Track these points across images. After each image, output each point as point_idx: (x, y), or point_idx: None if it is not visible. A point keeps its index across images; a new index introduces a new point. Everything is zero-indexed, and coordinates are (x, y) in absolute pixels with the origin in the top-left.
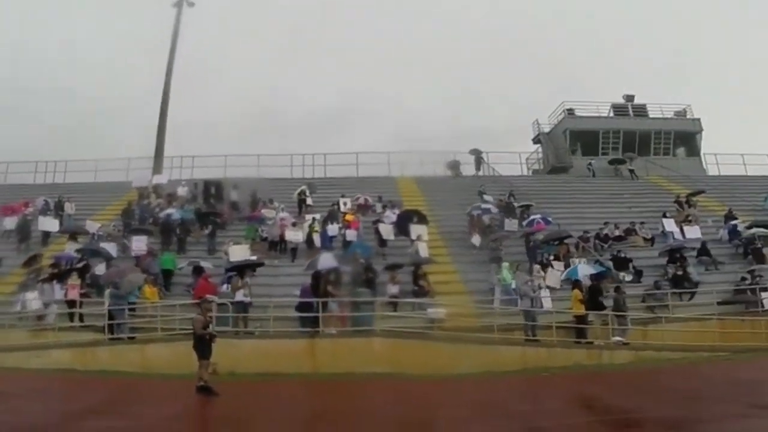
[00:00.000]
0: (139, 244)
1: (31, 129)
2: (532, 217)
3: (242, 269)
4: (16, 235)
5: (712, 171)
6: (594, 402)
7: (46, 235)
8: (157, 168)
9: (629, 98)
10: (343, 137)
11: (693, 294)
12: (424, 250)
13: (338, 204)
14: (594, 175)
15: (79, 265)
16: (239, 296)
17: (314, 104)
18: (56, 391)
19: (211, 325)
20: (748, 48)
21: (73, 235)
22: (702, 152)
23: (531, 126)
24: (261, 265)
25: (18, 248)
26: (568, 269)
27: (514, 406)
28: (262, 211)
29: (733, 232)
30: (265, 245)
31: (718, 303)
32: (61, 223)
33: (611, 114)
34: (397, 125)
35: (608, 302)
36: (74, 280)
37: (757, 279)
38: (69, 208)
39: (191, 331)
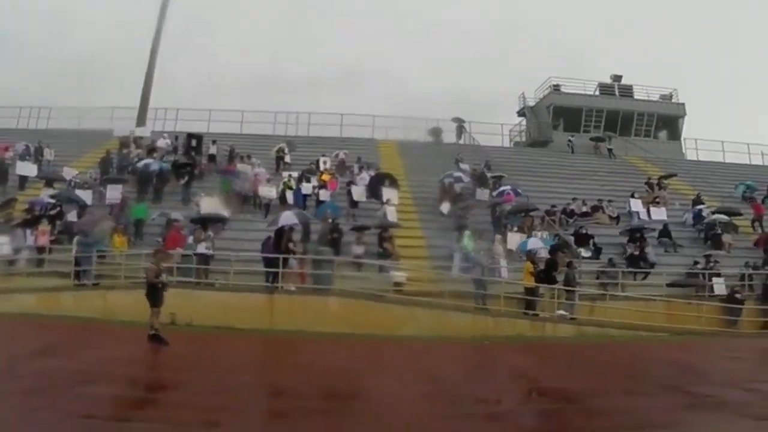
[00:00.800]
0: (113, 192)
1: (18, 71)
2: (502, 188)
3: (205, 222)
4: None
5: (691, 156)
6: (511, 371)
7: (23, 180)
8: (141, 119)
9: (617, 78)
10: (346, 99)
11: (647, 274)
12: (392, 214)
13: (317, 163)
14: (573, 152)
15: (53, 211)
16: (201, 248)
17: (317, 66)
18: (14, 334)
19: (164, 275)
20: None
21: (50, 181)
22: (683, 137)
23: (517, 99)
24: (225, 219)
25: None
26: (521, 241)
27: (436, 370)
28: (238, 166)
29: (698, 217)
30: (238, 199)
31: (667, 285)
32: (39, 169)
33: (597, 93)
34: (395, 90)
35: (561, 276)
36: (44, 226)
37: (711, 264)
38: (48, 153)
39: None
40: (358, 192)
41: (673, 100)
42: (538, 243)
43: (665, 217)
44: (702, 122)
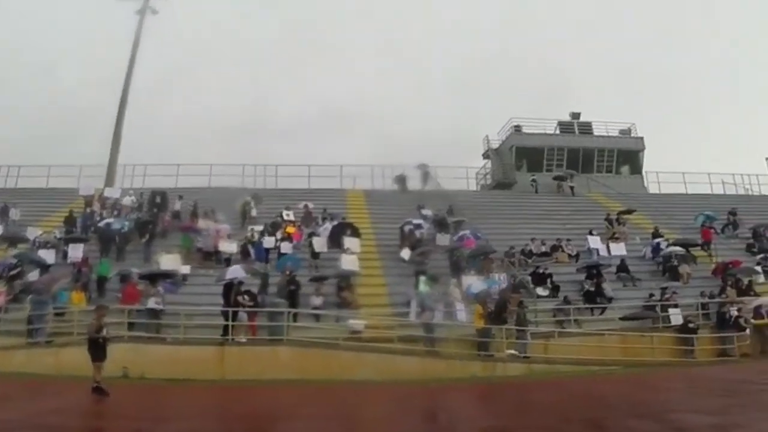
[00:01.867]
0: (75, 252)
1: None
2: (462, 232)
3: (154, 277)
4: None
5: (653, 189)
6: (432, 410)
7: None
8: (110, 176)
9: (575, 116)
10: (326, 145)
11: (603, 309)
12: (352, 263)
13: (281, 215)
14: (537, 191)
15: (14, 272)
16: (151, 303)
17: (297, 111)
18: None
19: (105, 329)
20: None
21: (13, 242)
22: (644, 170)
23: (482, 141)
24: (179, 275)
25: None
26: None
27: (360, 412)
28: (200, 222)
29: (656, 250)
30: (199, 255)
31: (620, 318)
32: (5, 229)
33: (557, 131)
34: (379, 135)
35: (512, 317)
36: (1, 286)
37: (667, 296)
38: (14, 213)
39: None
40: (320, 243)
41: (632, 135)
42: (482, 285)
43: (624, 252)
44: (665, 154)
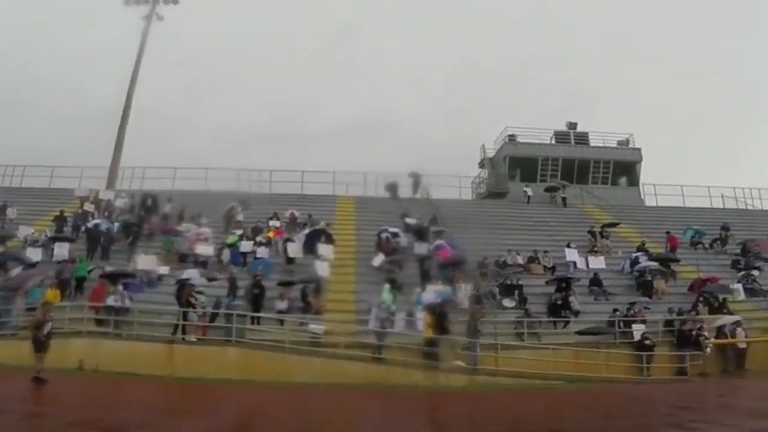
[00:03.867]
0: (60, 250)
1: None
2: (437, 242)
3: (114, 277)
4: None
5: (650, 201)
6: (334, 414)
7: None
8: (111, 178)
9: (572, 126)
10: (354, 153)
11: (566, 323)
12: (323, 269)
13: (267, 222)
14: (528, 202)
15: None
16: (109, 301)
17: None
18: None
19: (48, 324)
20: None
21: (2, 240)
22: (641, 182)
23: (479, 150)
24: (131, 275)
25: None
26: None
27: (280, 412)
28: (183, 225)
29: (634, 264)
30: (176, 257)
31: (576, 333)
32: (2, 227)
33: (553, 141)
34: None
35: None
36: None
37: (632, 311)
38: (11, 212)
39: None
40: (294, 248)
41: (629, 146)
42: (431, 296)
43: (603, 266)
44: (665, 167)
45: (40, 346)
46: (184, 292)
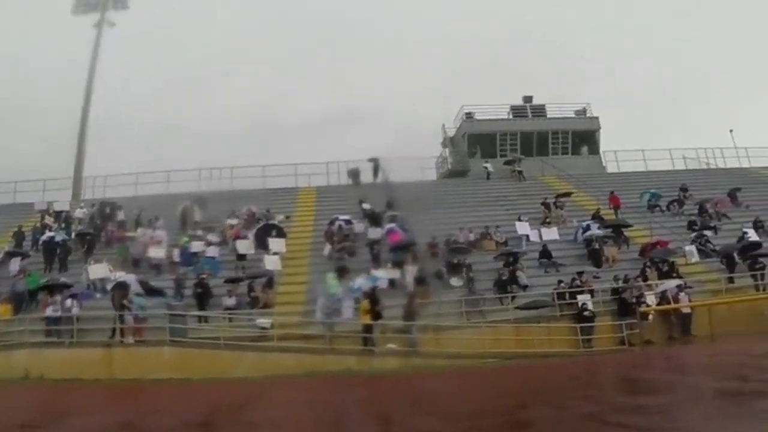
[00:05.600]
0: (13, 265)
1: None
2: (388, 226)
3: (52, 288)
4: None
5: (612, 168)
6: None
7: None
8: (76, 188)
9: (527, 99)
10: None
11: (513, 298)
12: (273, 263)
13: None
14: (488, 178)
15: None
16: (48, 311)
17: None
18: None
19: None
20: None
21: None
22: (601, 150)
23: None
24: (68, 286)
25: None
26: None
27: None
28: (138, 230)
29: (586, 233)
30: (130, 263)
31: (516, 308)
32: None
33: (510, 116)
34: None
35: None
36: None
37: (579, 282)
38: None
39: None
40: (244, 245)
41: (587, 115)
42: (363, 282)
43: (557, 237)
44: (631, 134)
45: None
46: (117, 296)
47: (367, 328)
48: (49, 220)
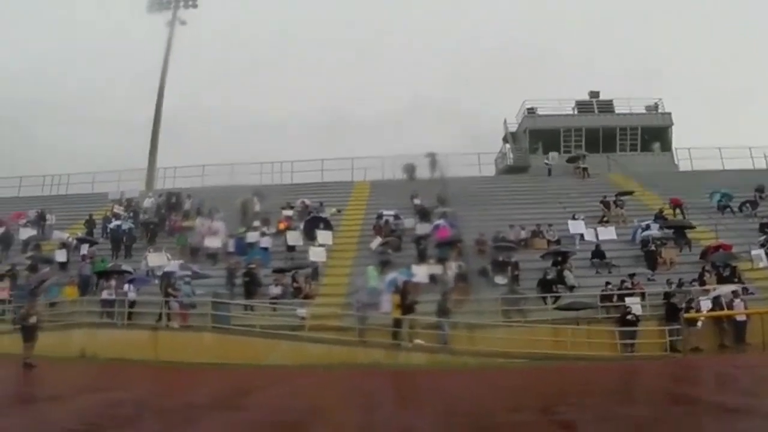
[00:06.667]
0: (83, 251)
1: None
2: (436, 222)
3: (108, 274)
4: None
5: (685, 166)
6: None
7: (26, 244)
8: (150, 179)
9: (594, 94)
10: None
11: (557, 298)
12: (317, 255)
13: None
14: (550, 174)
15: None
16: (104, 295)
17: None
18: None
19: (34, 317)
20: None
21: (38, 244)
22: (674, 147)
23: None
24: (127, 272)
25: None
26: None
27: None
28: (197, 220)
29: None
30: (188, 251)
31: (555, 308)
32: (43, 232)
33: (575, 111)
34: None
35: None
36: (4, 283)
37: (628, 284)
38: (50, 219)
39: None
40: (293, 236)
41: (658, 111)
42: (398, 276)
43: (614, 237)
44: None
45: (28, 335)
46: (163, 283)
47: (398, 323)
48: (119, 209)
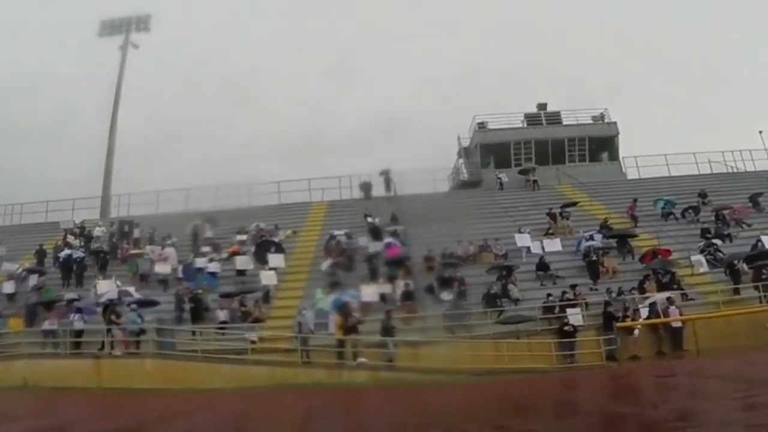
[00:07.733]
0: (31, 281)
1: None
2: (387, 240)
3: (48, 304)
4: None
5: (633, 174)
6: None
7: None
8: (104, 206)
9: (542, 106)
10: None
11: (500, 313)
12: (268, 278)
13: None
14: (502, 188)
15: None
16: (45, 326)
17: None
18: None
19: None
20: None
21: None
22: (621, 156)
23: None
24: (73, 300)
25: None
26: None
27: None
28: (148, 247)
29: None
30: (138, 278)
31: (495, 322)
32: None
33: (524, 124)
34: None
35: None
36: None
37: (569, 295)
38: (0, 250)
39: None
40: (243, 261)
41: (604, 120)
42: (345, 297)
43: (560, 248)
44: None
45: None
46: (108, 311)
47: (341, 343)
48: (70, 238)
